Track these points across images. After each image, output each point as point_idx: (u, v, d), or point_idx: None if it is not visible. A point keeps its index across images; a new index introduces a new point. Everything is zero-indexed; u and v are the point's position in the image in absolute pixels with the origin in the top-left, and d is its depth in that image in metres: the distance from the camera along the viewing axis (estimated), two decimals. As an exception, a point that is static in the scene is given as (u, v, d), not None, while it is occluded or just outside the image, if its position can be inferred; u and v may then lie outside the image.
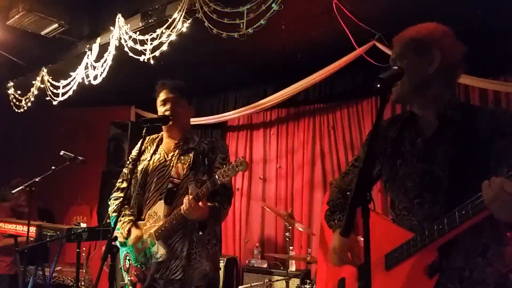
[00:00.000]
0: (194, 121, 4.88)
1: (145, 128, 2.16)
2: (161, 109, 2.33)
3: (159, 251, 2.14)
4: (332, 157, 4.46)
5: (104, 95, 5.22)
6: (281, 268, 4.27)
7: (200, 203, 2.02)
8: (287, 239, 3.43)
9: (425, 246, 1.26)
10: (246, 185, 5.00)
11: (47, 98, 4.50)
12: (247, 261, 4.51)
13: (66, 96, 4.25)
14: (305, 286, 3.18)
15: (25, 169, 5.07)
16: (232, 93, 5.16)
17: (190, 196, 2.03)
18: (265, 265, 4.33)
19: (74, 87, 4.12)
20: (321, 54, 3.90)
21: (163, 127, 2.36)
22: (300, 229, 3.50)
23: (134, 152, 2.42)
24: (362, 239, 1.31)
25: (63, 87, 4.25)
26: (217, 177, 1.97)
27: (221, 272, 4.39)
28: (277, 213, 3.52)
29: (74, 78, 4.09)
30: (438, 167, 1.37)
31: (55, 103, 4.41)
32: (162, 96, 2.34)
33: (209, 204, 2.13)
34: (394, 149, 1.50)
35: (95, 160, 5.59)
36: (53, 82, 4.42)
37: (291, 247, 3.94)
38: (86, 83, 3.93)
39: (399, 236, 1.36)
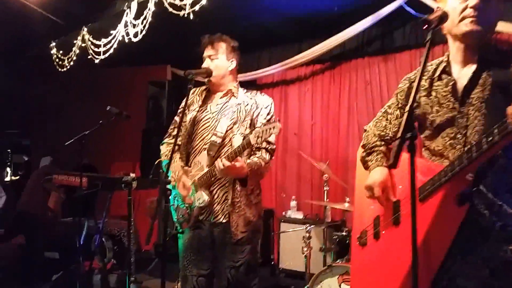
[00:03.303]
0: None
1: (190, 80, 2.24)
2: (205, 64, 2.42)
3: (201, 197, 2.29)
4: (369, 113, 4.46)
5: (141, 54, 5.34)
6: (317, 219, 4.43)
7: (234, 162, 2.12)
8: (325, 189, 3.54)
9: (455, 174, 1.33)
10: (281, 141, 5.10)
11: (89, 57, 4.65)
12: (283, 213, 4.68)
13: (107, 55, 4.39)
14: (342, 233, 3.30)
15: (68, 127, 5.34)
16: (266, 49, 5.18)
17: (222, 158, 2.13)
18: (301, 217, 4.50)
19: (115, 45, 4.25)
20: (359, 6, 3.85)
21: (208, 80, 2.44)
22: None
23: (183, 102, 2.53)
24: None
25: (104, 45, 4.39)
26: (251, 139, 2.06)
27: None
28: (316, 163, 3.61)
29: (115, 36, 4.20)
30: (473, 109, 1.44)
31: (96, 61, 4.57)
32: (205, 51, 2.43)
33: (249, 160, 2.25)
34: (428, 97, 1.56)
35: (135, 118, 5.79)
36: (94, 41, 4.56)
37: (326, 200, 4.06)
38: (126, 40, 4.05)
39: (432, 169, 1.44)
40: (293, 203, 4.62)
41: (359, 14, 3.96)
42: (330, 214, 4.21)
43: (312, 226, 3.31)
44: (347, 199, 3.63)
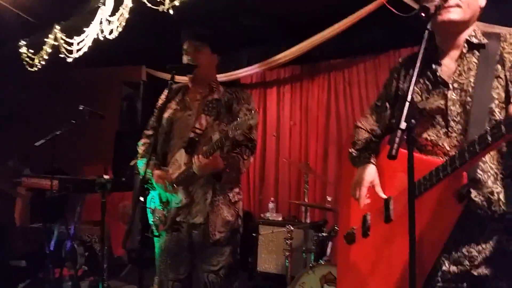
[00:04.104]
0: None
1: (171, 76, 2.15)
2: (184, 59, 2.33)
3: (178, 196, 2.21)
4: (348, 114, 4.47)
5: (114, 54, 5.18)
6: (296, 220, 4.38)
7: (211, 157, 2.05)
8: (305, 189, 3.50)
9: (455, 170, 1.27)
10: (260, 142, 5.04)
11: (62, 56, 4.48)
12: (262, 215, 4.61)
13: (81, 53, 4.23)
14: (323, 234, 3.26)
15: (38, 129, 5.10)
16: (244, 49, 5.11)
17: (199, 155, 2.07)
18: (280, 218, 4.44)
19: (89, 43, 4.10)
20: (338, 6, 3.83)
21: (188, 76, 2.36)
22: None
23: (160, 101, 2.44)
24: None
25: (78, 43, 4.23)
26: (229, 131, 1.99)
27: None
28: (295, 164, 3.56)
29: (88, 34, 4.05)
30: (464, 95, 1.40)
31: (69, 60, 4.40)
32: (185, 46, 2.34)
33: (226, 155, 2.18)
34: (416, 85, 1.51)
35: (109, 119, 5.60)
36: (67, 39, 4.39)
37: (306, 200, 4.03)
38: (102, 38, 3.90)
39: (427, 164, 1.38)
40: (271, 205, 4.55)
41: (338, 14, 3.94)
42: (309, 215, 4.18)
43: (294, 226, 3.25)
44: (328, 198, 3.60)
